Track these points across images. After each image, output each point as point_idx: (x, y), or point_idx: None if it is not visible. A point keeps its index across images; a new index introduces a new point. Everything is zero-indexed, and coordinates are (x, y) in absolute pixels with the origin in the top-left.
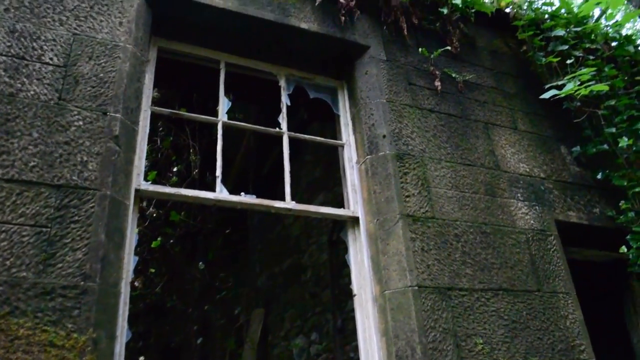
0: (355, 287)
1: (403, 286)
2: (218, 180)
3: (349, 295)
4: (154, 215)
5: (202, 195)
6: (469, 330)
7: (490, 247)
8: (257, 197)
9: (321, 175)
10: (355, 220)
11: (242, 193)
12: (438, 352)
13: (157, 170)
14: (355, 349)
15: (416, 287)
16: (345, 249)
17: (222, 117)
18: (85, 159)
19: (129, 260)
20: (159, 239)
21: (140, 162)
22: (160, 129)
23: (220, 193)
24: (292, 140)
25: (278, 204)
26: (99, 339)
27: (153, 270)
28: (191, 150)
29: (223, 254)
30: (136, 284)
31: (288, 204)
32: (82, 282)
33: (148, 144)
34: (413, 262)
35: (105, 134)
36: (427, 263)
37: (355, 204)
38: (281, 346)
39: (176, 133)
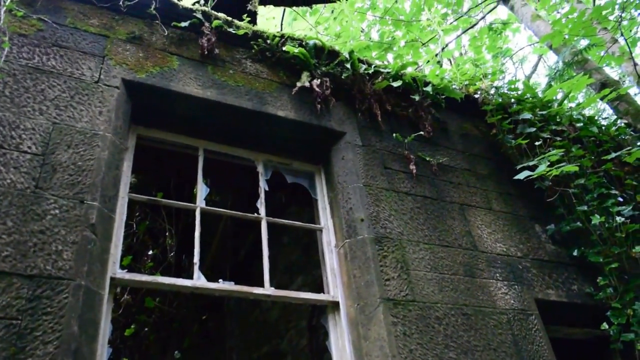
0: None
1: None
2: (196, 267)
3: None
4: (129, 301)
5: (180, 283)
6: None
7: (473, 329)
8: (235, 282)
9: (299, 259)
10: (335, 305)
11: (220, 280)
12: None
13: (133, 254)
14: None
15: None
16: (326, 334)
17: (200, 203)
18: (60, 248)
19: (102, 353)
20: (132, 326)
21: (116, 250)
22: (137, 213)
23: (198, 280)
24: (270, 225)
25: (257, 290)
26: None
27: None
28: (167, 234)
29: (199, 342)
30: None
31: (267, 290)
32: None
33: (124, 229)
34: (395, 347)
35: (81, 223)
36: (409, 348)
37: (335, 288)
38: None
39: (153, 217)
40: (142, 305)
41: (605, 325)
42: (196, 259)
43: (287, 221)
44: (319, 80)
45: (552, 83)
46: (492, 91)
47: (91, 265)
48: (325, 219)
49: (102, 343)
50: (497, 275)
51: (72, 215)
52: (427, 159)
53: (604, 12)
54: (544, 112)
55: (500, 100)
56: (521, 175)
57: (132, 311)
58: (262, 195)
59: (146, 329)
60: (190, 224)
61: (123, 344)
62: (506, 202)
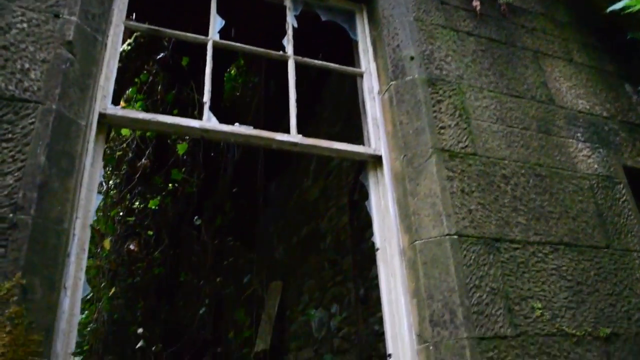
0: (378, 239)
1: (438, 234)
2: (206, 107)
3: (373, 260)
4: (147, 169)
5: (185, 124)
6: (524, 291)
7: (547, 192)
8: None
9: (340, 129)
10: (377, 160)
11: (236, 123)
12: (485, 318)
13: (147, 99)
14: (381, 321)
15: (455, 236)
16: (364, 198)
17: (213, 36)
18: (27, 66)
19: (88, 198)
20: (157, 197)
21: (107, 83)
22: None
23: (208, 121)
24: (299, 65)
25: (281, 136)
26: (30, 286)
27: (151, 233)
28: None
29: (233, 220)
30: (132, 247)
31: (293, 137)
32: (10, 214)
33: (138, 75)
34: (451, 205)
35: (55, 39)
36: (468, 207)
37: (377, 141)
38: (299, 321)
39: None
40: (168, 177)
41: None
42: (206, 97)
43: (319, 61)
44: None
45: None
46: None
47: (66, 88)
48: (367, 62)
49: (88, 187)
50: (578, 135)
51: (44, 30)
52: None
53: None
54: None
55: None
56: (618, 5)
57: (158, 185)
58: (290, 31)
59: (171, 203)
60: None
61: (148, 217)
62: (590, 55)
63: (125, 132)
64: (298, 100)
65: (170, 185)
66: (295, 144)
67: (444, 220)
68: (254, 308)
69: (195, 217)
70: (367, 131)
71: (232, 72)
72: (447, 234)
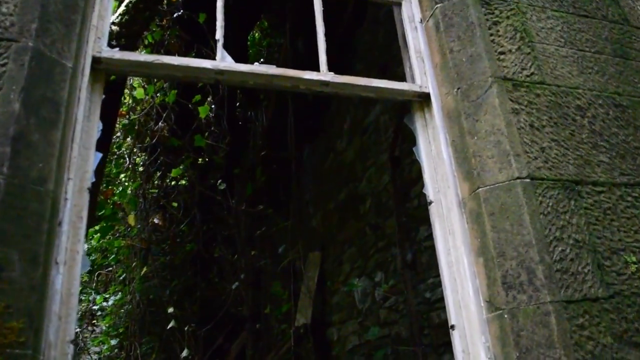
0: (430, 191)
1: (507, 178)
2: (219, 45)
3: (420, 221)
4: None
5: (196, 64)
6: (614, 242)
7: (630, 125)
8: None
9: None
10: (424, 98)
11: (256, 63)
12: (571, 276)
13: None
14: (432, 288)
15: (528, 180)
16: (412, 161)
17: None
18: None
19: (84, 156)
20: (180, 167)
21: (102, 23)
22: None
23: (223, 61)
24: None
25: (309, 74)
26: (5, 261)
27: (175, 205)
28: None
29: (264, 188)
30: (156, 220)
31: (324, 75)
32: None
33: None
34: (519, 143)
35: None
36: (540, 145)
37: (422, 76)
38: (341, 292)
39: None
40: (192, 143)
41: None
42: (219, 34)
43: None
44: None
45: None
46: None
47: (46, 23)
48: None
49: (78, 140)
50: None
51: None
52: None
53: None
54: None
55: None
56: None
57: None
58: None
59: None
60: None
61: (173, 188)
62: None
63: (139, 94)
64: (329, 42)
65: (193, 154)
66: (326, 83)
67: (512, 161)
68: (291, 280)
69: (219, 181)
70: (410, 67)
71: (256, 35)
72: (518, 177)
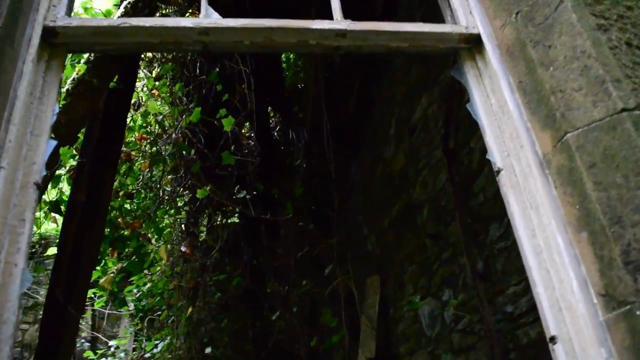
0: (496, 156)
1: (607, 113)
2: (203, 2)
3: (487, 219)
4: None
5: (173, 24)
6: None
7: None
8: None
9: None
10: (473, 41)
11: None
12: None
13: None
14: (513, 299)
15: (637, 111)
16: (470, 150)
17: None
18: None
19: (33, 144)
20: (207, 187)
21: None
22: None
23: (207, 18)
24: None
25: (319, 24)
26: None
27: (204, 229)
28: None
29: (309, 209)
30: (183, 248)
31: (338, 23)
32: None
33: None
34: (616, 65)
35: None
36: None
37: (468, 15)
38: (406, 319)
39: None
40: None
41: None
42: None
43: None
44: None
45: None
46: None
47: None
48: None
49: (18, 120)
50: None
51: None
52: None
53: None
54: None
55: None
56: None
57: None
58: None
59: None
60: None
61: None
62: None
63: (152, 107)
64: None
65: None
66: (342, 33)
67: (611, 90)
68: (341, 305)
69: (237, 187)
70: (451, 8)
71: None
72: (624, 110)
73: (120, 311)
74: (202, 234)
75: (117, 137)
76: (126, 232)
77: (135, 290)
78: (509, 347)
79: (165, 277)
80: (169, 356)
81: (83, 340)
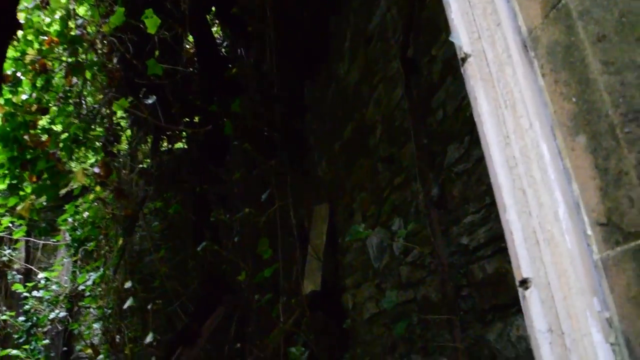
0: (462, 37)
1: None
2: None
3: (445, 138)
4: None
5: None
6: None
7: None
8: None
9: None
10: None
11: None
12: None
13: None
14: (470, 229)
15: None
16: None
17: None
18: None
19: None
20: (128, 99)
21: None
22: None
23: None
24: None
25: None
26: None
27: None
28: None
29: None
30: (96, 170)
31: None
32: None
33: None
34: None
35: None
36: None
37: None
38: (354, 250)
39: None
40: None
41: None
42: None
43: None
44: None
45: None
46: None
47: None
48: None
49: None
50: None
51: None
52: None
53: None
54: None
55: None
56: None
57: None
58: None
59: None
60: None
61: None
62: None
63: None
64: None
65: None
66: None
67: None
68: (277, 234)
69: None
70: None
71: None
72: None
73: (55, 242)
74: (146, 161)
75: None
76: (37, 153)
77: (70, 219)
78: (462, 283)
79: (97, 205)
80: (100, 289)
81: (15, 273)
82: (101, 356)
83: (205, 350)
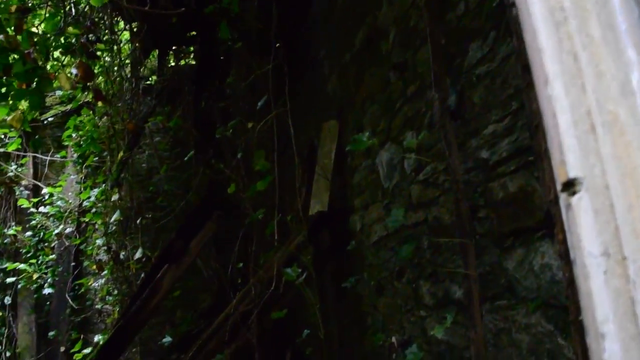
0: None
1: None
2: None
3: (466, 36)
4: None
5: None
6: None
7: None
8: None
9: None
10: None
11: None
12: None
13: None
14: (491, 141)
15: None
16: None
17: None
18: None
19: None
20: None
21: None
22: None
23: None
24: None
25: None
26: None
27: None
28: None
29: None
30: (74, 71)
31: None
32: None
33: None
34: None
35: None
36: None
37: None
38: (363, 168)
39: None
40: None
41: None
42: None
43: None
44: None
45: None
46: None
47: None
48: None
49: None
50: None
51: None
52: None
53: None
54: None
55: None
56: None
57: None
58: None
59: None
60: None
61: None
62: None
63: None
64: None
65: None
66: None
67: None
68: (275, 145)
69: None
70: None
71: None
72: None
73: (61, 158)
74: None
75: None
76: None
77: (74, 135)
78: (479, 203)
79: (95, 117)
80: (100, 205)
81: (22, 189)
82: (105, 272)
83: (209, 269)
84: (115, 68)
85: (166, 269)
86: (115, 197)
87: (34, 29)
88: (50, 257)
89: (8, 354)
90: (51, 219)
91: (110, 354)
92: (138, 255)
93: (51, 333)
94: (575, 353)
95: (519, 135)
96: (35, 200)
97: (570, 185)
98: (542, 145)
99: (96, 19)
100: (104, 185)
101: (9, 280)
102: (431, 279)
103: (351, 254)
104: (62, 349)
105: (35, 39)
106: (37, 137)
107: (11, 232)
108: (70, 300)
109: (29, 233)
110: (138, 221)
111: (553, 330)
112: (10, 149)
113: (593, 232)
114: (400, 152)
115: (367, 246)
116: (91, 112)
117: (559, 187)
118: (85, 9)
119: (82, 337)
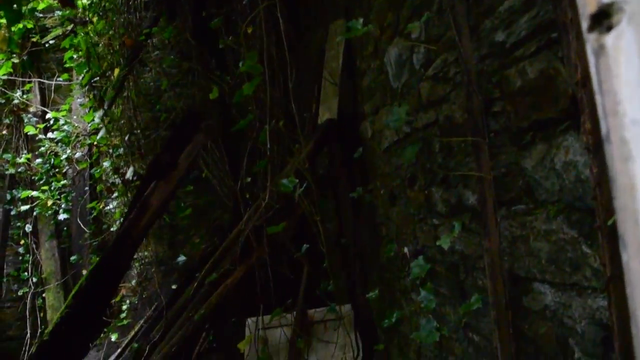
0: None
1: None
2: None
3: None
4: None
5: None
6: None
7: None
8: None
9: None
10: None
11: None
12: None
13: None
14: (509, 20)
15: None
16: None
17: None
18: None
19: None
20: None
21: None
22: None
23: None
24: None
25: None
26: None
27: None
28: None
29: None
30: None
31: None
32: None
33: None
34: None
35: None
36: None
37: None
38: (372, 70)
39: None
40: None
41: None
42: None
43: None
44: None
45: None
46: None
47: None
48: None
49: None
50: None
51: None
52: None
53: None
54: None
55: None
56: None
57: None
58: None
59: None
60: None
61: None
62: None
63: None
64: None
65: None
66: None
67: None
68: (264, 45)
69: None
70: None
71: None
72: None
73: (64, 81)
74: None
75: None
76: None
77: (75, 57)
78: (494, 96)
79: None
80: (101, 125)
81: (30, 116)
82: (116, 194)
83: (223, 186)
84: None
85: (154, 185)
86: (117, 117)
87: None
88: (62, 182)
89: (34, 279)
90: (59, 144)
91: (101, 282)
92: (129, 174)
93: (73, 257)
94: (603, 263)
95: (540, 8)
96: (41, 126)
97: (604, 16)
98: (568, 14)
99: None
100: (106, 105)
101: (24, 208)
102: (444, 185)
103: (363, 163)
104: (85, 272)
105: None
106: (25, 58)
107: (22, 159)
108: (82, 225)
109: (39, 160)
110: (126, 137)
111: (577, 237)
112: (1, 73)
113: (639, 88)
114: (409, 46)
115: (378, 154)
116: (88, 29)
117: (585, 24)
118: None
119: None
